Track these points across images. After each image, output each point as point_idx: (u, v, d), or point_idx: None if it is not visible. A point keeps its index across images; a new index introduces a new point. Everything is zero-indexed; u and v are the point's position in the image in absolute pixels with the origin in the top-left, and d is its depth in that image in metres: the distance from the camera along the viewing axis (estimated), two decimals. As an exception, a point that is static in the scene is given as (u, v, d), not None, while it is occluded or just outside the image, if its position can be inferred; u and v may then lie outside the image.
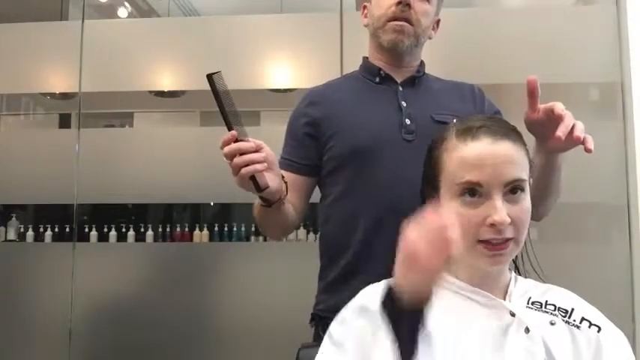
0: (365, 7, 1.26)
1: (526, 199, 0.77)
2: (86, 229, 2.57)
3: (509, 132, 0.79)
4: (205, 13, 3.75)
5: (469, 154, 0.77)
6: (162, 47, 2.46)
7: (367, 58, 1.26)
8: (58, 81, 2.55)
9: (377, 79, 1.21)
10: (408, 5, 1.13)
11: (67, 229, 2.47)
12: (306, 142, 1.19)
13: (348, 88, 1.23)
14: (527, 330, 0.74)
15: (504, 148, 0.76)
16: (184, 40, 2.45)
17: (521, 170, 0.76)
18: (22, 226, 2.73)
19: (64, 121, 3.23)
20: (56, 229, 2.62)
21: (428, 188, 0.84)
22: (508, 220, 0.73)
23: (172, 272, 2.33)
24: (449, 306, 0.78)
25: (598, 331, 0.77)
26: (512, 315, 0.76)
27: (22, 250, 2.57)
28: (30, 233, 2.64)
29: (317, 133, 1.18)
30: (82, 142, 2.38)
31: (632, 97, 2.17)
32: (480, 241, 0.75)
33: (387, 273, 0.86)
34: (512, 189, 0.76)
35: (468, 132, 0.78)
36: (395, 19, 1.15)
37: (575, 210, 2.16)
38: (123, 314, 2.30)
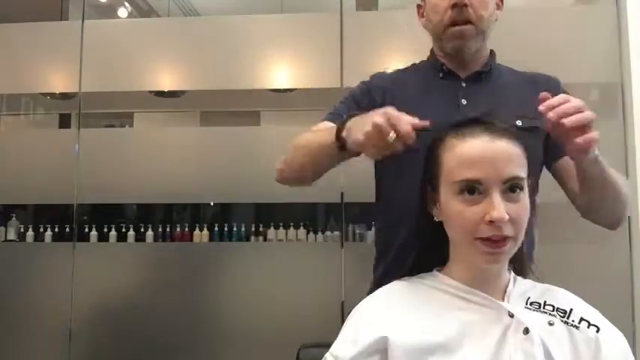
0: (419, 6, 1.22)
1: (525, 198, 0.77)
2: (86, 229, 2.57)
3: (508, 130, 0.79)
4: (205, 13, 3.75)
5: (468, 151, 0.77)
6: (162, 47, 2.46)
7: (433, 50, 1.22)
8: (58, 81, 2.55)
9: (440, 75, 1.17)
10: (465, 5, 1.08)
11: (67, 229, 2.46)
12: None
13: (413, 83, 1.19)
14: (525, 331, 0.74)
15: (503, 145, 0.77)
16: (184, 40, 2.45)
17: (520, 168, 0.77)
18: (22, 226, 2.72)
19: (64, 121, 3.23)
20: (56, 229, 2.61)
21: (428, 186, 0.85)
22: (506, 216, 0.73)
23: (172, 272, 2.33)
24: (447, 308, 0.78)
25: (597, 331, 0.77)
26: (511, 316, 0.76)
27: (22, 250, 2.57)
28: (30, 233, 2.63)
29: None
30: (82, 142, 2.38)
31: (632, 97, 2.16)
32: (478, 239, 0.75)
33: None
34: (511, 187, 0.76)
35: (466, 130, 0.78)
36: (454, 23, 1.10)
37: (575, 210, 2.16)
38: (123, 314, 2.30)
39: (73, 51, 2.41)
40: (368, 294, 1.15)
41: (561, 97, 0.81)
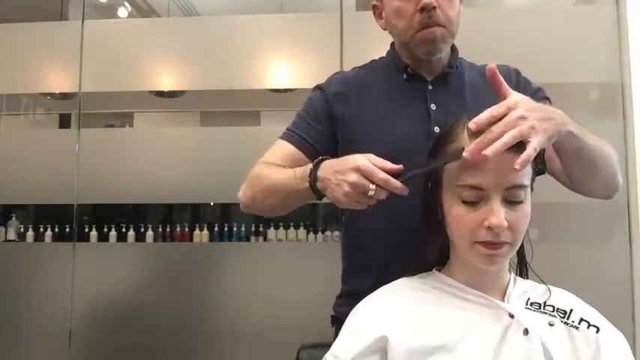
0: (375, 7, 1.13)
1: (526, 206, 0.77)
2: (86, 229, 2.57)
3: None
4: (205, 13, 3.75)
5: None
6: (162, 47, 2.46)
7: (394, 46, 1.14)
8: (58, 81, 2.55)
9: (404, 76, 1.10)
10: (434, 8, 1.01)
11: (67, 229, 2.47)
12: (322, 129, 1.08)
13: (378, 86, 1.11)
14: (525, 332, 0.74)
15: (506, 153, 0.76)
16: (184, 40, 2.45)
17: (523, 176, 0.76)
18: (22, 226, 2.73)
19: (64, 121, 3.23)
20: (56, 229, 2.61)
21: (430, 189, 0.84)
22: (505, 224, 0.73)
23: (172, 272, 2.33)
24: (447, 307, 0.78)
25: (597, 332, 0.77)
26: (511, 316, 0.76)
27: (22, 250, 2.57)
28: (30, 233, 2.64)
29: (336, 128, 1.08)
30: (82, 142, 2.38)
31: (632, 97, 2.17)
32: (477, 242, 0.76)
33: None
34: (513, 195, 0.76)
35: (471, 136, 0.78)
36: (423, 27, 1.02)
37: (575, 210, 2.16)
38: (123, 314, 2.30)
39: (73, 51, 2.41)
40: (337, 307, 1.14)
41: (490, 112, 0.75)
